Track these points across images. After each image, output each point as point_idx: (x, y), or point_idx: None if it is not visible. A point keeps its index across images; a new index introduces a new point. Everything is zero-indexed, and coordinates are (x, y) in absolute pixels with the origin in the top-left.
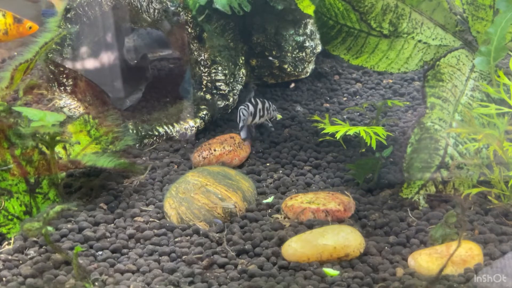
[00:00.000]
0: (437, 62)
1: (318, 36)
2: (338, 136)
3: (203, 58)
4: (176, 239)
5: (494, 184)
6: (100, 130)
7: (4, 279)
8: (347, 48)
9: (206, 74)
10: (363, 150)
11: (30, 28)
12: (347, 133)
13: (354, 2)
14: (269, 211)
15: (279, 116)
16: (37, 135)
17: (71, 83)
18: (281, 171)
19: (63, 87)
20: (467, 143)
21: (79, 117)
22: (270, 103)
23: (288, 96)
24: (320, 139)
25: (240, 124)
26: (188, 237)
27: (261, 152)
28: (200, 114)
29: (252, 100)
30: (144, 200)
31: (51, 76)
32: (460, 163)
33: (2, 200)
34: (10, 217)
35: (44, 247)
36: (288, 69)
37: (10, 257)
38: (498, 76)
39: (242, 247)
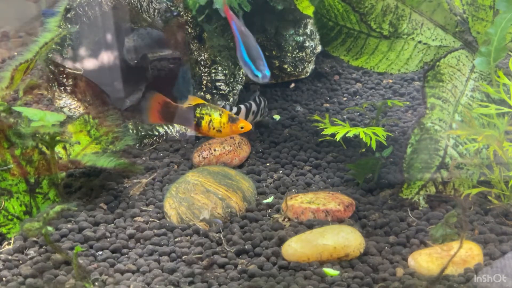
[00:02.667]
0: (437, 63)
1: (318, 36)
2: (338, 138)
3: (203, 58)
4: (176, 239)
5: (494, 184)
6: (100, 130)
7: (4, 279)
8: (347, 49)
9: (206, 74)
10: (363, 150)
11: (242, 128)
12: (347, 135)
13: (354, 3)
14: (269, 211)
15: (277, 117)
16: (37, 135)
17: (71, 83)
18: (281, 171)
19: (63, 87)
20: (467, 143)
21: (79, 117)
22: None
23: (288, 96)
24: (320, 139)
25: None
26: (188, 237)
27: (261, 152)
28: None
29: (257, 99)
30: (144, 200)
31: (51, 76)
32: (459, 163)
33: (2, 200)
34: (10, 217)
35: (44, 247)
36: (288, 69)
37: (10, 257)
38: (498, 77)
39: (242, 247)
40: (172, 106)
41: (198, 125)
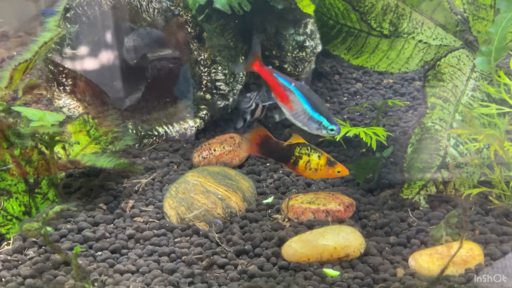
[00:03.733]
0: (438, 62)
1: (318, 35)
2: (338, 137)
3: (203, 57)
4: (176, 240)
5: (495, 184)
6: (99, 130)
7: (3, 279)
8: (348, 48)
9: (206, 74)
10: (364, 150)
11: (338, 172)
12: (347, 135)
13: (354, 2)
14: (269, 211)
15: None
16: (37, 135)
17: (70, 83)
18: (281, 171)
19: (62, 87)
20: (468, 143)
21: (79, 117)
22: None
23: None
24: (320, 139)
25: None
26: (188, 238)
27: None
28: (200, 114)
29: (265, 93)
30: (143, 200)
31: (51, 76)
32: (460, 163)
33: (2, 200)
34: (9, 217)
35: (43, 247)
36: (288, 69)
37: (9, 257)
38: (499, 76)
39: (242, 248)
40: (273, 142)
41: (295, 164)
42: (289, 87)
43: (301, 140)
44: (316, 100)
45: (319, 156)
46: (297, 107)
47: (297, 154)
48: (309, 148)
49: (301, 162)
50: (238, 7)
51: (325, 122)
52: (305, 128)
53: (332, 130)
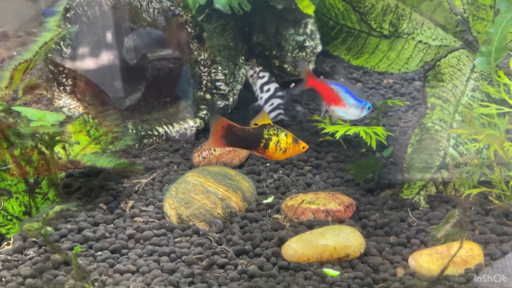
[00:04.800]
0: (438, 63)
1: (318, 36)
2: (338, 136)
3: (203, 57)
4: (176, 240)
5: (494, 184)
6: (99, 130)
7: (3, 279)
8: (348, 48)
9: (206, 74)
10: (364, 150)
11: (303, 148)
12: (347, 133)
13: (355, 2)
14: (269, 211)
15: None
16: (37, 135)
17: (70, 83)
18: (281, 171)
19: (62, 87)
20: (467, 143)
21: (79, 117)
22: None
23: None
24: (320, 139)
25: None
26: (188, 238)
27: None
28: (200, 114)
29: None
30: (144, 200)
31: (51, 76)
32: (460, 163)
33: (2, 200)
34: (9, 217)
35: (43, 247)
36: (288, 69)
37: (9, 257)
38: (499, 76)
39: (242, 248)
40: (238, 130)
41: (265, 147)
42: (339, 88)
43: (267, 120)
44: (354, 88)
45: (286, 135)
46: (347, 102)
47: (266, 136)
48: (275, 128)
49: (271, 144)
50: (238, 7)
51: (364, 103)
52: (352, 117)
53: (369, 108)
